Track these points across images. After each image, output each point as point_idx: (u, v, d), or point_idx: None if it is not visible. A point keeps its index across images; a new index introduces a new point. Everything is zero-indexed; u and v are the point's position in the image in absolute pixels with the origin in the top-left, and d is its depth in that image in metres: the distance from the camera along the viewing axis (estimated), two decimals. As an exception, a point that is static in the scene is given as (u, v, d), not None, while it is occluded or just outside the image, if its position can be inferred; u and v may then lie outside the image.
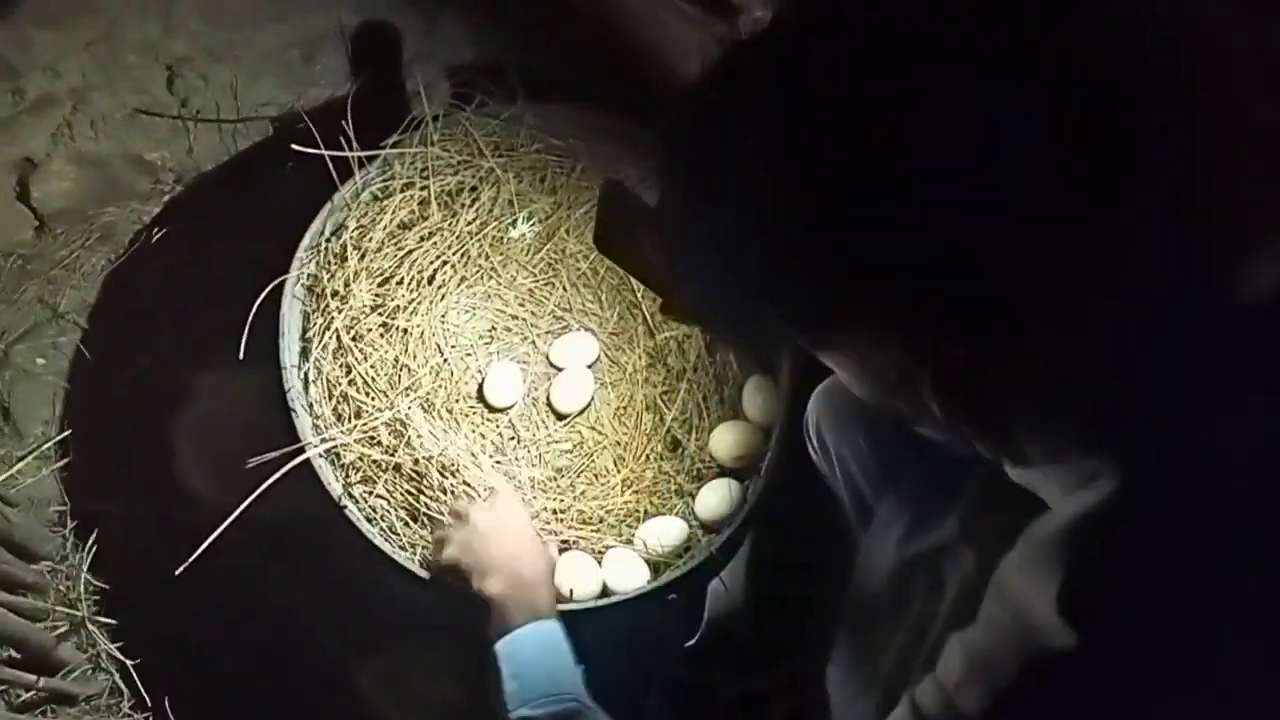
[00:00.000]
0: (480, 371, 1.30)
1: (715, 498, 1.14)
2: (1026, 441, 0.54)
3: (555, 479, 1.25)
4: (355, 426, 1.13)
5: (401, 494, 1.14)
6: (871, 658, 0.87)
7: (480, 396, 1.28)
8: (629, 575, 1.08)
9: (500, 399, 1.27)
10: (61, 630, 1.24)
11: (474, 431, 1.26)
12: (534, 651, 0.88)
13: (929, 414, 0.54)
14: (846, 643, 0.93)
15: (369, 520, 1.10)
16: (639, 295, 1.32)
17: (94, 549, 1.30)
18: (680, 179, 0.55)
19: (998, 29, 0.45)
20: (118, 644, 1.24)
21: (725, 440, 1.19)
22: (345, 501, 1.08)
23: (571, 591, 1.05)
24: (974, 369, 0.49)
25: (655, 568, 1.12)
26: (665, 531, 1.14)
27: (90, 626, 1.24)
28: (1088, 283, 0.46)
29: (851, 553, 0.93)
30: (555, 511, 1.18)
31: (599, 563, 1.11)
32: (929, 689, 0.58)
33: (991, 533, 0.79)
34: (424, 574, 1.06)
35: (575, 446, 1.29)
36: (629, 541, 1.17)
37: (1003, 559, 0.57)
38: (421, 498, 1.14)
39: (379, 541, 1.06)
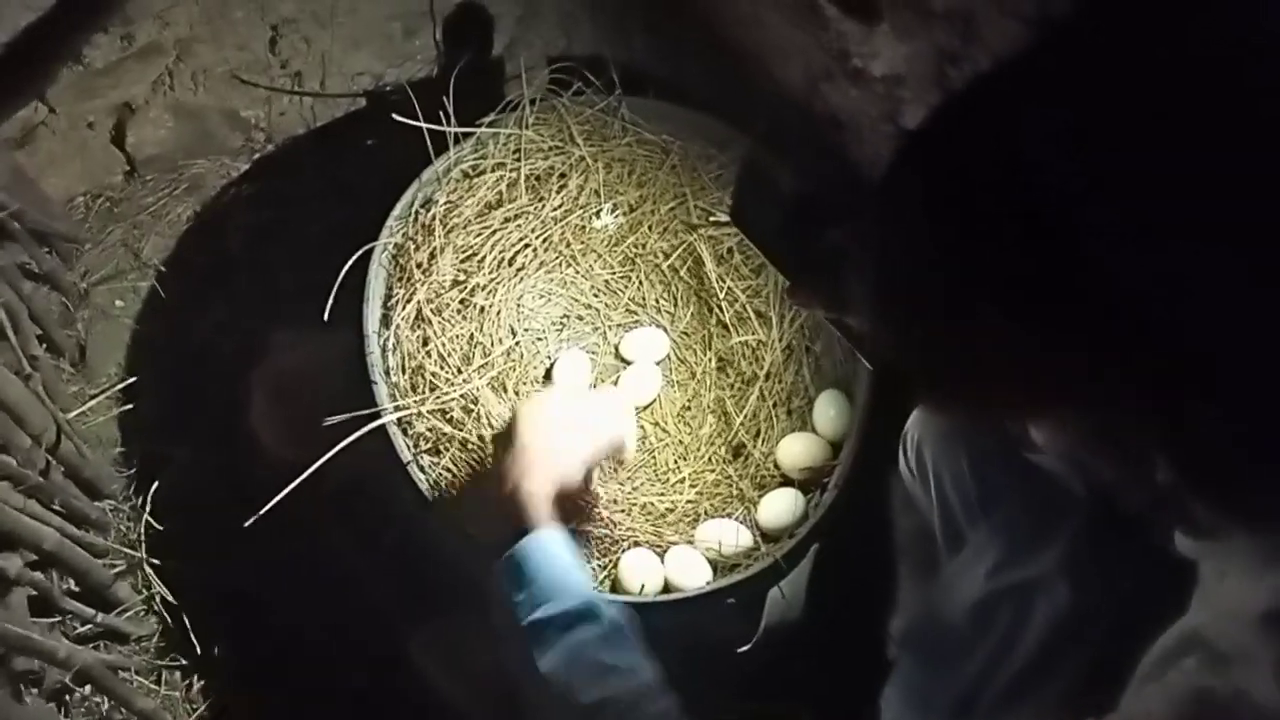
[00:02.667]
0: (549, 357, 1.31)
1: (779, 506, 1.13)
2: (1238, 513, 0.53)
3: (615, 470, 1.25)
4: (430, 398, 1.14)
5: (466, 468, 1.15)
6: (940, 684, 0.86)
7: (546, 381, 1.29)
8: (691, 573, 1.08)
9: (561, 375, 1.28)
10: (119, 569, 1.26)
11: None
12: (540, 559, 0.86)
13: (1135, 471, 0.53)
14: (911, 666, 0.93)
15: (434, 490, 1.11)
16: (715, 299, 1.32)
17: (156, 493, 1.31)
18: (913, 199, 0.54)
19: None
20: (171, 588, 1.26)
21: (792, 451, 1.18)
22: (413, 469, 1.09)
23: (642, 586, 1.05)
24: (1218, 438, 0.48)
25: (714, 569, 1.12)
26: (724, 534, 1.14)
27: (146, 568, 1.26)
28: None
29: (928, 576, 0.92)
30: (615, 501, 1.18)
31: (661, 560, 1.11)
32: None
33: (1093, 571, 0.79)
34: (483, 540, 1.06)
35: (638, 441, 1.29)
36: (689, 541, 1.17)
37: (1173, 625, 0.55)
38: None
39: (442, 511, 1.07)
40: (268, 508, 1.03)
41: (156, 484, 1.32)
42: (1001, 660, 0.81)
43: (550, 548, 0.86)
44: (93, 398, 1.38)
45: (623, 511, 1.17)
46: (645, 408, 1.30)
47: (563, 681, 0.78)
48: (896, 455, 1.09)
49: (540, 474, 0.91)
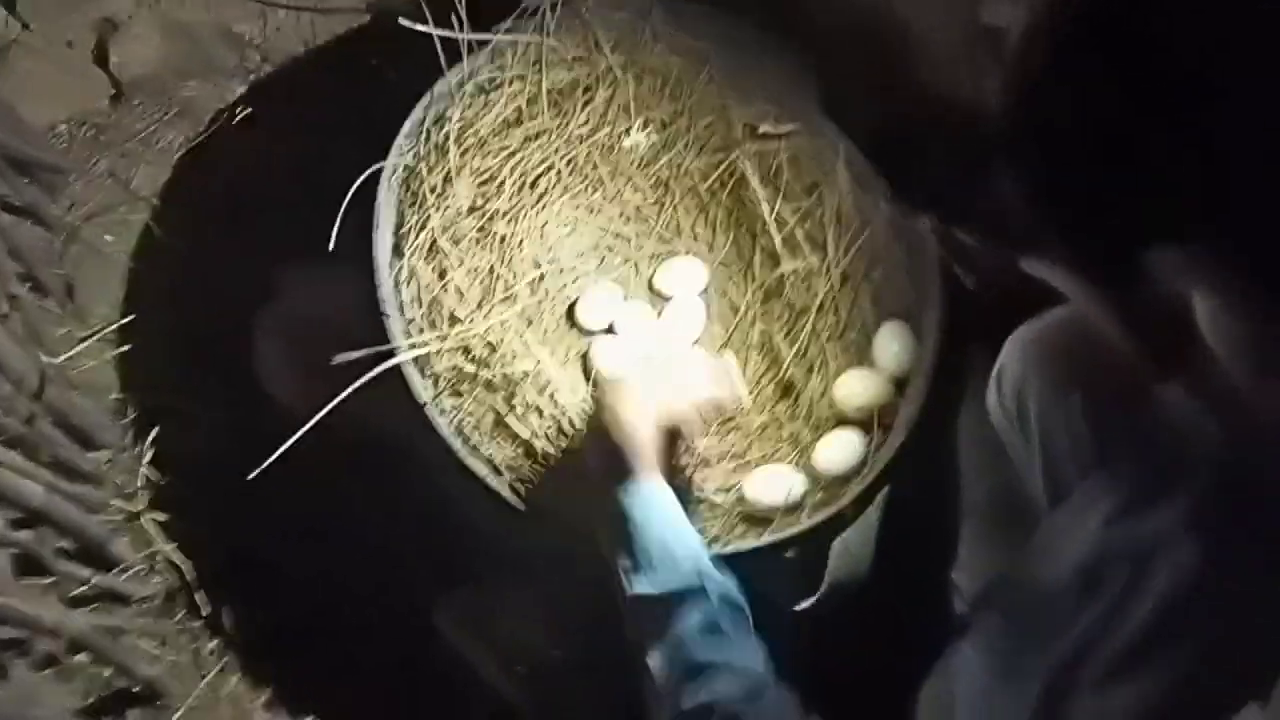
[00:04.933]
0: (576, 291, 1.20)
1: (838, 450, 1.03)
2: None
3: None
4: (451, 333, 1.03)
5: (491, 411, 1.05)
6: (1033, 650, 0.76)
7: (570, 317, 1.18)
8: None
9: (594, 322, 1.17)
10: (117, 525, 1.16)
11: (566, 353, 1.16)
12: (645, 516, 0.81)
13: None
14: (996, 628, 0.83)
15: (457, 436, 1.00)
16: (760, 223, 1.20)
17: (155, 444, 1.21)
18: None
19: None
20: (175, 546, 1.17)
21: (852, 389, 1.07)
22: (433, 412, 0.98)
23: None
24: None
25: (763, 520, 1.02)
26: (774, 481, 1.04)
27: (147, 524, 1.17)
28: None
29: (1009, 528, 0.82)
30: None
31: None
32: None
33: (1226, 532, 0.68)
34: (513, 498, 0.97)
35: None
36: (729, 489, 1.07)
37: None
38: (511, 416, 1.05)
39: (467, 459, 0.97)
40: (273, 458, 0.93)
41: (155, 433, 1.22)
42: (1112, 627, 0.71)
43: (655, 500, 0.82)
44: (83, 341, 1.27)
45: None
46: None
47: (665, 677, 0.74)
48: (968, 393, 0.99)
49: (642, 417, 0.87)
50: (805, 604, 0.91)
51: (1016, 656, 0.80)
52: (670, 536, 0.80)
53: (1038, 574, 0.79)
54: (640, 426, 0.87)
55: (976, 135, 0.56)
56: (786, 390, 1.15)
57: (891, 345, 1.07)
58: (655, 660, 0.75)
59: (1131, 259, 0.54)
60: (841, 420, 1.09)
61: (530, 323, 1.14)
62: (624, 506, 0.82)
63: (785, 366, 1.14)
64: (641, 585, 0.79)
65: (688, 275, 1.22)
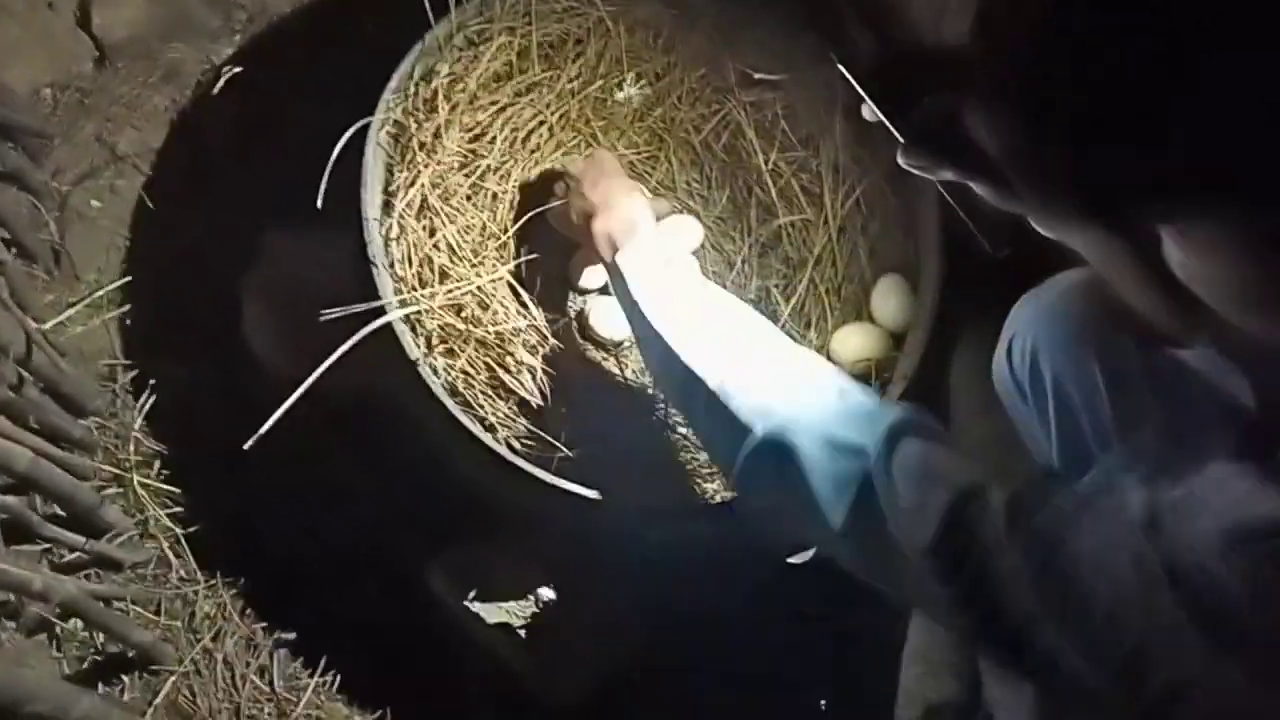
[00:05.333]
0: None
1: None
2: None
3: (644, 371, 1.13)
4: (442, 291, 1.01)
5: (484, 369, 1.03)
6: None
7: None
8: None
9: (588, 280, 1.15)
10: (108, 491, 1.15)
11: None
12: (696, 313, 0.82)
13: None
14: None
15: (450, 395, 0.98)
16: (757, 176, 1.17)
17: (146, 409, 1.20)
18: None
19: None
20: (167, 512, 1.15)
21: (850, 343, 1.05)
22: (425, 370, 0.96)
23: None
24: None
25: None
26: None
27: (139, 489, 1.15)
28: None
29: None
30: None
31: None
32: None
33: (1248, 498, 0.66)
34: (511, 455, 0.95)
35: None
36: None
37: None
38: (505, 375, 1.03)
39: (461, 416, 0.95)
40: (269, 424, 0.91)
41: (145, 400, 1.20)
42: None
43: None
44: (71, 306, 1.25)
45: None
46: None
47: (888, 492, 0.64)
48: (963, 342, 0.97)
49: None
50: (802, 558, 0.90)
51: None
52: (742, 336, 0.81)
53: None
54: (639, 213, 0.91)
55: (974, 81, 0.53)
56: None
57: (889, 299, 1.05)
58: (817, 484, 0.67)
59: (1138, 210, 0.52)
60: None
61: (523, 282, 1.12)
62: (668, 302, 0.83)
63: (782, 321, 1.12)
64: (751, 410, 0.73)
65: (685, 233, 1.19)
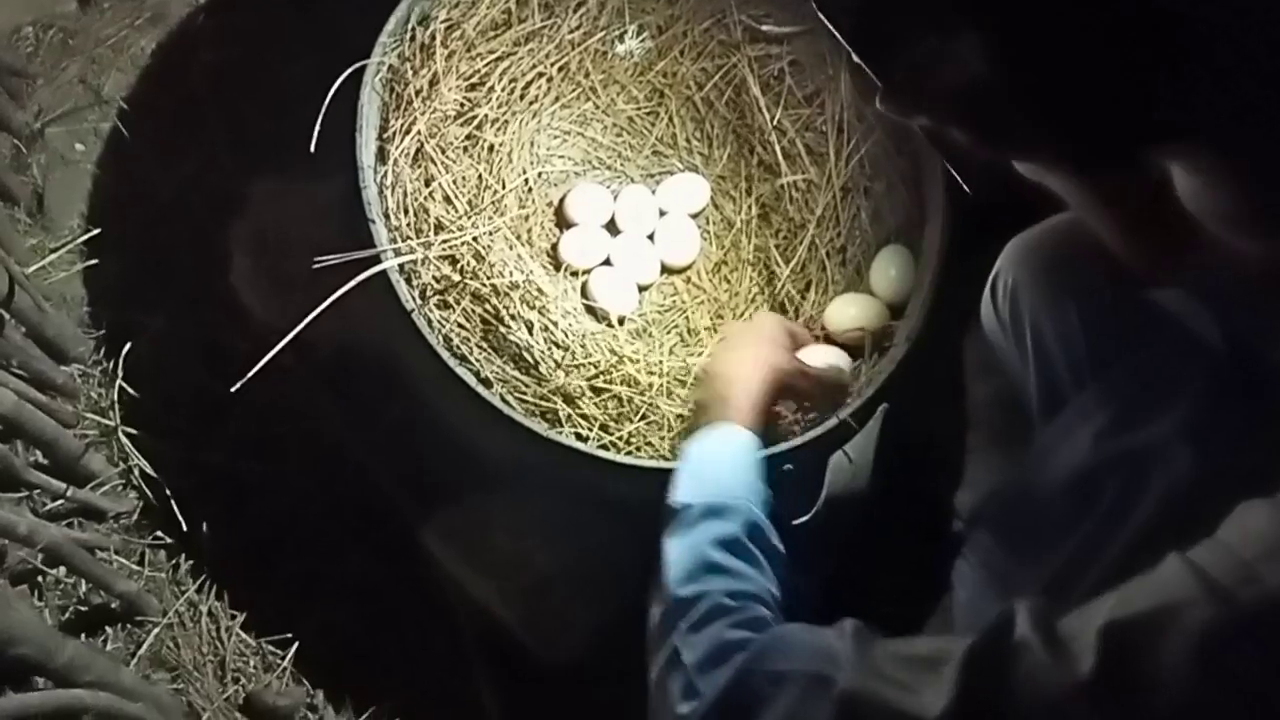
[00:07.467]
0: (550, 203, 1.16)
1: (838, 358, 1.00)
2: None
3: (644, 332, 1.11)
4: (437, 241, 0.99)
5: (479, 323, 1.01)
6: (1027, 565, 0.74)
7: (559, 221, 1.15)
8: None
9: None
10: (91, 439, 1.13)
11: (556, 272, 1.12)
12: (715, 448, 0.80)
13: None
14: (990, 544, 0.81)
15: (445, 347, 0.97)
16: (760, 134, 1.15)
17: (129, 357, 1.17)
18: None
19: None
20: (151, 461, 1.13)
21: (845, 314, 1.04)
22: (420, 320, 0.94)
23: None
24: None
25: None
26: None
27: (122, 437, 1.13)
28: None
29: (1008, 446, 0.80)
30: (636, 361, 1.04)
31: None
32: (1213, 555, 0.47)
33: (1220, 437, 0.66)
34: (505, 408, 0.93)
35: (667, 299, 1.15)
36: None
37: None
38: (500, 329, 1.01)
39: (456, 368, 0.93)
40: (252, 374, 0.89)
41: (129, 347, 1.17)
42: (1105, 539, 0.69)
43: (733, 440, 0.81)
44: (53, 251, 1.22)
45: (651, 373, 1.03)
46: (683, 270, 1.16)
47: (670, 565, 0.71)
48: (970, 310, 0.96)
49: (751, 372, 0.87)
50: (802, 519, 0.89)
51: (1011, 570, 0.79)
52: (728, 472, 0.78)
53: (1030, 489, 0.77)
54: (744, 380, 0.86)
55: (953, 21, 0.52)
56: (782, 309, 1.11)
57: (889, 271, 1.04)
58: (670, 549, 0.72)
59: (1121, 153, 0.51)
60: (829, 341, 1.05)
61: (519, 236, 1.10)
62: (700, 439, 0.81)
63: (781, 284, 1.10)
64: (683, 495, 0.76)
65: (689, 192, 1.17)
